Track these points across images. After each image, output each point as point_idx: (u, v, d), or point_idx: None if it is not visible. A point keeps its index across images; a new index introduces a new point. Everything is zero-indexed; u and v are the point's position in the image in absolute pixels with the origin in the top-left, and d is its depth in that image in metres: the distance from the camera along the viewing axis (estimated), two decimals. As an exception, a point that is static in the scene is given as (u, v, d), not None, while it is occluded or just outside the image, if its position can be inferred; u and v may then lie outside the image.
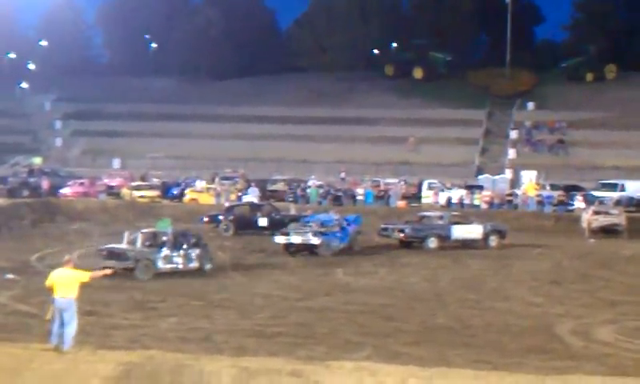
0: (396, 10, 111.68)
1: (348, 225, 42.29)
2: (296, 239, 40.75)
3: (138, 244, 33.95)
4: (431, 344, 21.79)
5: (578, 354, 21.13)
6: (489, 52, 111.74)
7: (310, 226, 41.41)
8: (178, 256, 33.94)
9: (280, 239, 41.26)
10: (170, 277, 32.81)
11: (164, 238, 34.07)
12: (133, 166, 77.01)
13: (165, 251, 33.55)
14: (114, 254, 33.21)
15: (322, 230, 40.80)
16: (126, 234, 34.76)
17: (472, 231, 44.91)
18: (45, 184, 64.00)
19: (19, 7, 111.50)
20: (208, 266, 34.92)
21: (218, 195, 60.50)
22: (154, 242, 34.16)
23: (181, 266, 33.93)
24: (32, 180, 66.37)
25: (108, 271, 19.94)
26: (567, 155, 78.88)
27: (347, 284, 32.45)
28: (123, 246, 34.02)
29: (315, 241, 40.22)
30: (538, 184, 64.01)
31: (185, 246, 34.24)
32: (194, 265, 34.38)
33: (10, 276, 31.30)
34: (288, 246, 40.90)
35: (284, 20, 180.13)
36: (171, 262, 33.76)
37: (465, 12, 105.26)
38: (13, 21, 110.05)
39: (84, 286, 17.76)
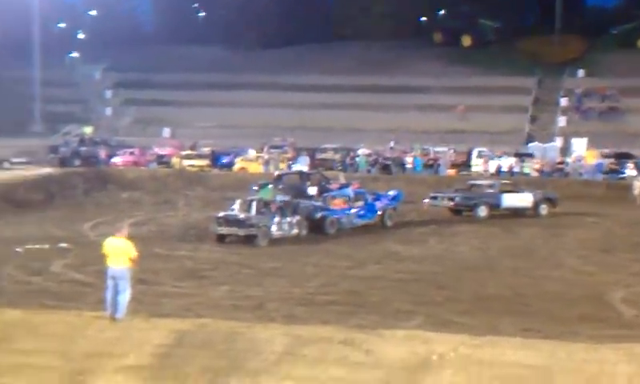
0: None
1: (376, 200, 40.25)
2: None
3: (253, 211, 34.54)
4: (482, 312, 21.74)
5: (631, 323, 20.98)
6: (538, 19, 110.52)
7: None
8: (286, 223, 34.81)
9: None
10: (219, 245, 33.10)
11: (271, 206, 34.97)
12: (183, 135, 77.31)
13: (277, 218, 34.43)
14: (234, 221, 33.88)
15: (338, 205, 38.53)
16: (238, 202, 35.48)
17: (522, 199, 44.56)
18: (102, 153, 64.72)
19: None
20: (304, 232, 35.59)
21: (266, 164, 60.61)
22: (266, 209, 34.81)
23: (286, 233, 34.78)
24: (83, 149, 67.07)
25: None
26: (618, 122, 77.92)
27: (397, 252, 32.44)
28: (240, 213, 34.55)
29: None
30: (596, 152, 63.17)
31: (287, 213, 35.16)
32: (295, 231, 35.22)
33: (64, 245, 31.66)
34: None
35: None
36: (281, 229, 34.60)
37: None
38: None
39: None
